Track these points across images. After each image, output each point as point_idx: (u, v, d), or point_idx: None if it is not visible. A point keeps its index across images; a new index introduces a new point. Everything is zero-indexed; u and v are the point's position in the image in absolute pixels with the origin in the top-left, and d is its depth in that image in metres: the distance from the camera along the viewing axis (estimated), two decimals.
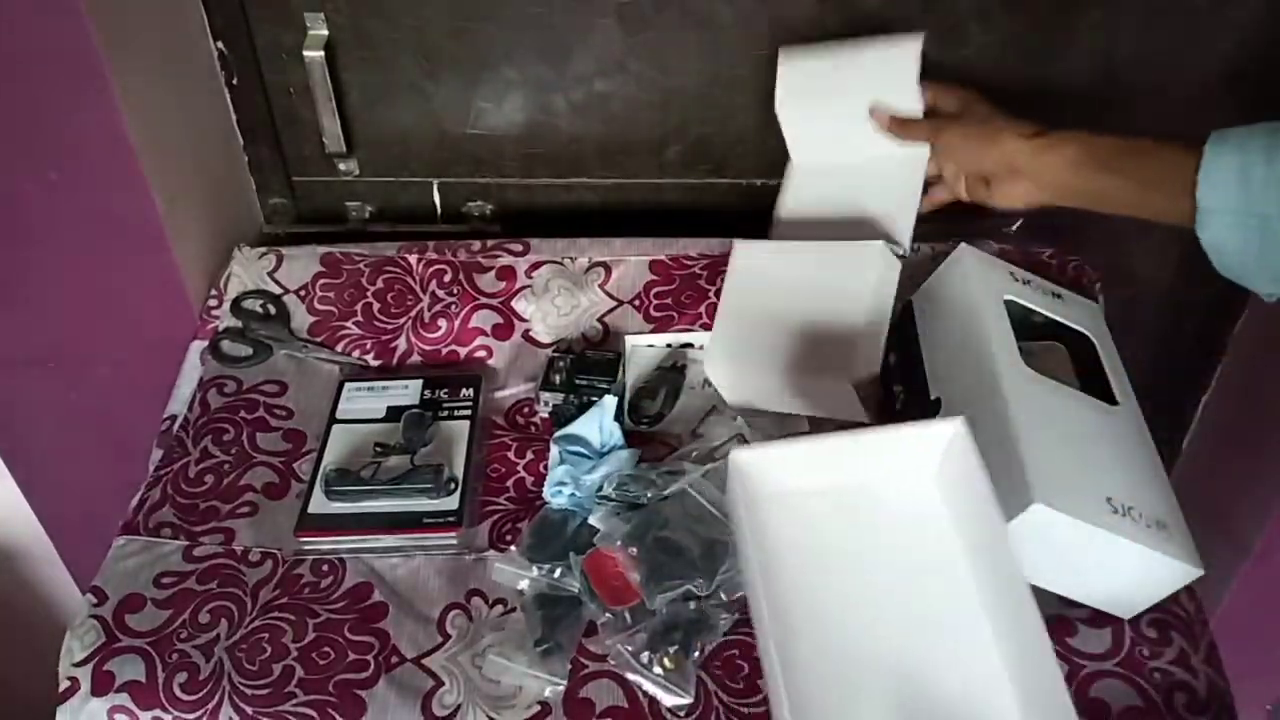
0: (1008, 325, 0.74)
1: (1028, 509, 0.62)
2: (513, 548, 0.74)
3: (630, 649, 0.67)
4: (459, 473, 0.77)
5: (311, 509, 0.75)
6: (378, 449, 0.79)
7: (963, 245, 0.80)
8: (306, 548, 0.74)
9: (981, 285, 0.76)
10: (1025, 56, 0.93)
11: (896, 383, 0.80)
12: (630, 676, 0.67)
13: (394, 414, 0.81)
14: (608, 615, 0.68)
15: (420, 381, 0.84)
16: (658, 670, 0.66)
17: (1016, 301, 0.77)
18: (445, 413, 0.82)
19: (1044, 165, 0.72)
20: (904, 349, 0.80)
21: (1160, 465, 0.71)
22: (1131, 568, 0.65)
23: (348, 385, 0.84)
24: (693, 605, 0.68)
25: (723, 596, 0.69)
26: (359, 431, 0.81)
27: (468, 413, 0.82)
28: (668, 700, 0.66)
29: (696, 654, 0.67)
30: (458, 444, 0.79)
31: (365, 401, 0.83)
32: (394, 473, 0.76)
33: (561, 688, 0.66)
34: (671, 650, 0.66)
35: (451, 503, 0.75)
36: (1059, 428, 0.68)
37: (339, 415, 0.82)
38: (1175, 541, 0.65)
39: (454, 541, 0.74)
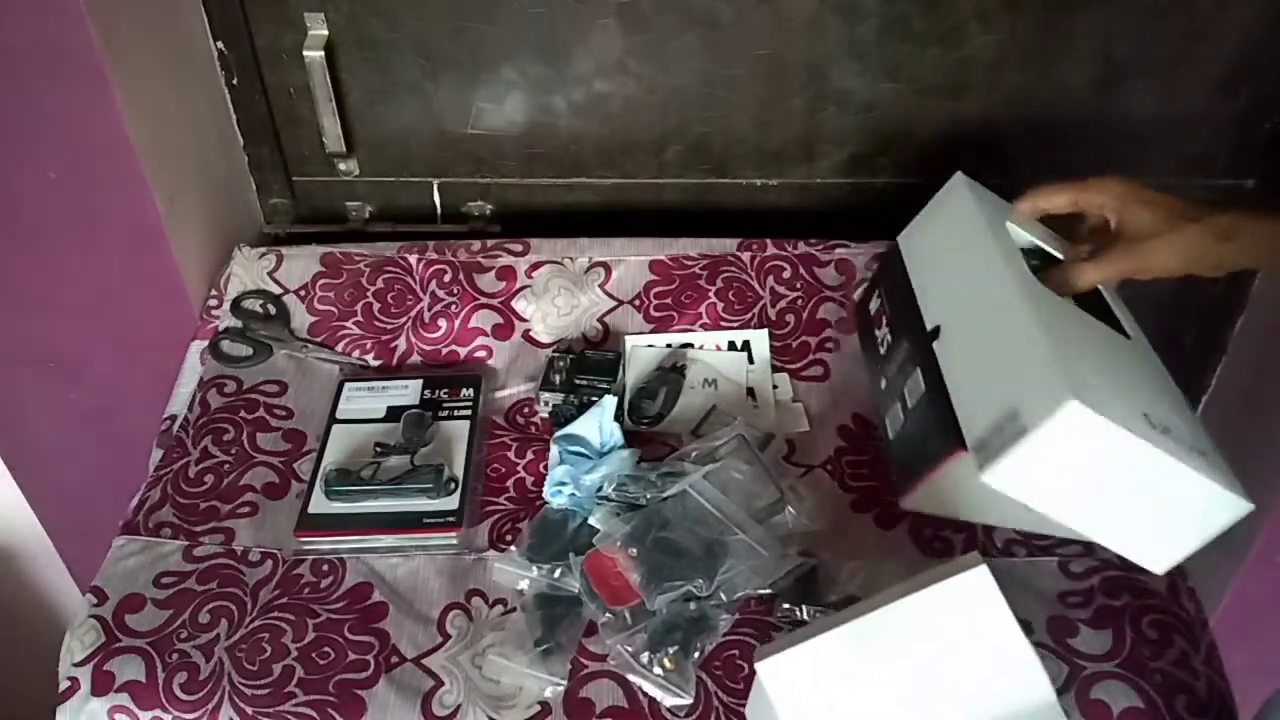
0: (1014, 243, 0.70)
1: (1061, 407, 0.53)
2: (513, 548, 0.74)
3: (630, 649, 0.67)
4: (459, 472, 0.77)
5: (312, 509, 0.75)
6: (378, 449, 0.79)
7: (958, 174, 0.77)
8: (306, 547, 0.74)
9: (982, 208, 0.72)
10: (1025, 56, 0.93)
11: (879, 327, 0.77)
12: (630, 677, 0.67)
13: (394, 414, 0.81)
14: (608, 615, 0.68)
15: (420, 381, 0.84)
16: (658, 671, 0.66)
17: (1016, 232, 0.72)
18: (445, 413, 0.82)
19: (1222, 251, 0.66)
20: (890, 292, 0.77)
21: (1184, 398, 0.65)
22: (1174, 497, 0.56)
23: (347, 385, 0.84)
24: (693, 605, 0.68)
25: (723, 597, 0.69)
26: (359, 431, 0.81)
27: (468, 413, 0.82)
28: (668, 700, 0.66)
29: (697, 654, 0.67)
30: (458, 444, 0.79)
31: (365, 401, 0.83)
32: (394, 473, 0.76)
33: (562, 688, 0.66)
34: (671, 650, 0.66)
35: (451, 502, 0.75)
36: (1082, 343, 0.62)
37: (339, 415, 0.82)
38: (1221, 470, 0.57)
39: (454, 541, 0.74)
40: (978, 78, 0.94)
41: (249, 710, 0.65)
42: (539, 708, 0.66)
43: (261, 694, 0.66)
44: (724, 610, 0.69)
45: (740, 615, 0.69)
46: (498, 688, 0.67)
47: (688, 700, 0.65)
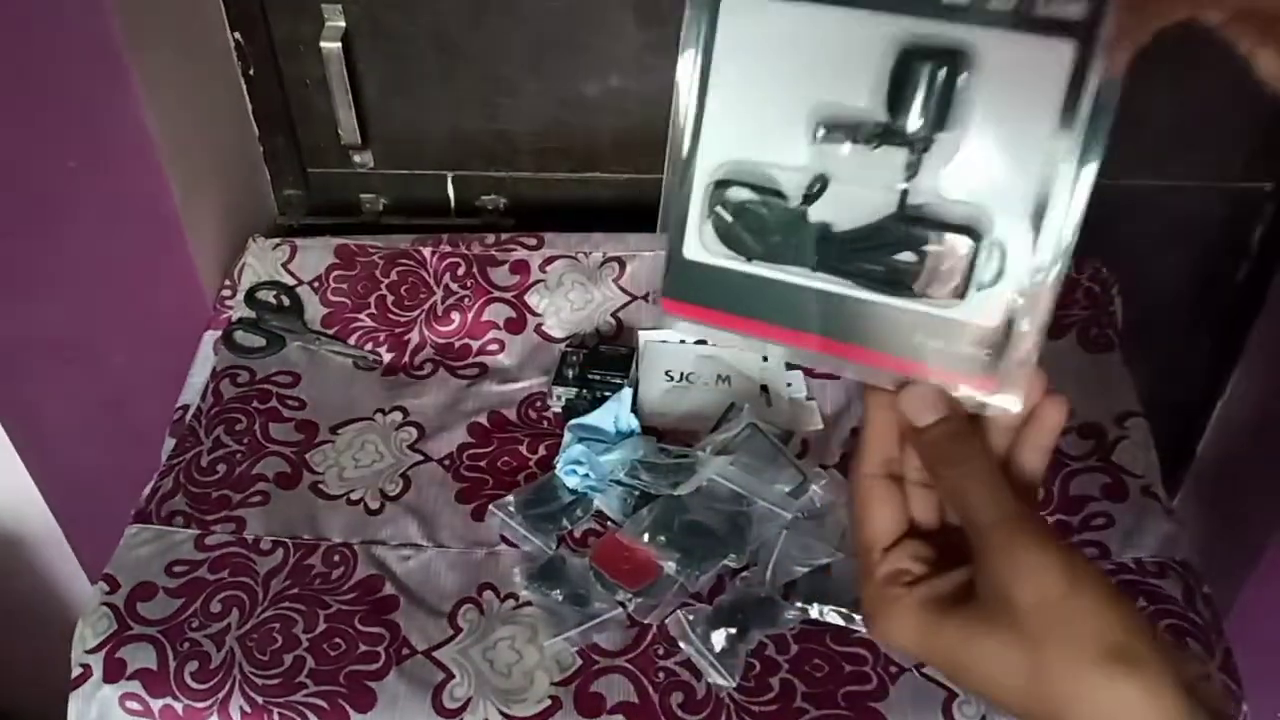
0: None
1: None
2: (510, 496, 0.75)
3: (691, 618, 0.68)
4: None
5: (690, 254, 0.41)
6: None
7: None
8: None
9: None
10: None
11: None
12: (683, 645, 0.68)
13: None
14: (636, 600, 0.69)
15: None
16: (711, 645, 0.67)
17: None
18: None
19: None
20: None
21: None
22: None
23: None
24: (762, 593, 0.69)
25: (773, 577, 0.70)
26: None
27: None
28: (711, 678, 0.66)
29: (753, 643, 0.68)
30: None
31: None
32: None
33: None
34: (731, 631, 0.67)
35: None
36: None
37: None
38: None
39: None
40: None
41: (259, 700, 0.65)
42: (549, 701, 0.65)
43: (272, 684, 0.66)
44: (790, 608, 0.69)
45: (804, 616, 0.70)
46: (508, 681, 0.67)
47: (731, 685, 0.66)
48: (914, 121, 0.36)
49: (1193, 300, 1.08)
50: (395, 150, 1.01)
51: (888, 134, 0.36)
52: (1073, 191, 0.35)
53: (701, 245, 0.40)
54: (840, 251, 0.38)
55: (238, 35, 0.93)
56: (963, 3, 0.35)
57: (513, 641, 0.68)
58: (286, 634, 0.68)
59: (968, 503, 0.37)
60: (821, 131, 0.37)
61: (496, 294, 0.91)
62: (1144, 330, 0.87)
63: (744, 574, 0.71)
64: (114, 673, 0.66)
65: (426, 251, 0.95)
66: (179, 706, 0.66)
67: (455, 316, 0.90)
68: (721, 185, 0.39)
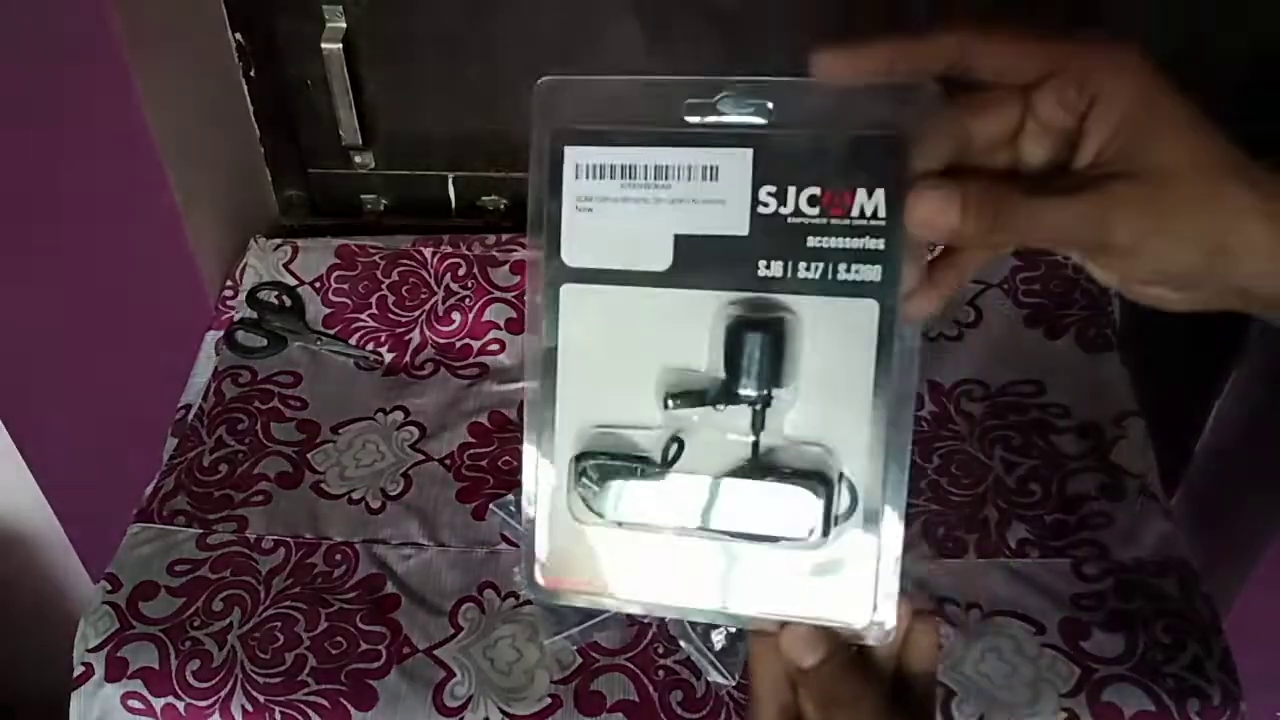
0: None
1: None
2: (510, 495, 0.75)
3: None
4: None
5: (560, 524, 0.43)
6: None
7: None
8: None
9: None
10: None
11: None
12: (683, 644, 0.68)
13: None
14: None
15: None
16: (711, 644, 0.67)
17: None
18: None
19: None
20: None
21: None
22: None
23: None
24: None
25: None
26: None
27: None
28: (712, 677, 0.66)
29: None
30: None
31: None
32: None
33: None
34: (730, 630, 0.67)
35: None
36: None
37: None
38: None
39: None
40: None
41: (261, 698, 0.65)
42: (550, 700, 0.66)
43: (274, 682, 0.66)
44: None
45: None
46: (509, 680, 0.67)
47: (730, 683, 0.66)
48: (751, 385, 0.39)
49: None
50: (396, 151, 1.01)
51: (729, 395, 0.40)
52: (899, 427, 0.39)
53: (571, 515, 0.42)
54: (705, 507, 0.40)
55: (239, 36, 0.93)
56: (777, 274, 0.39)
57: (513, 640, 0.69)
58: (288, 633, 0.69)
59: None
60: (671, 403, 0.40)
61: (497, 294, 0.91)
62: (1142, 330, 0.87)
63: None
64: (116, 671, 0.67)
65: (427, 252, 0.95)
66: (181, 705, 0.66)
67: (456, 317, 0.90)
68: (582, 458, 0.41)
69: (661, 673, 0.67)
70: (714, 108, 0.39)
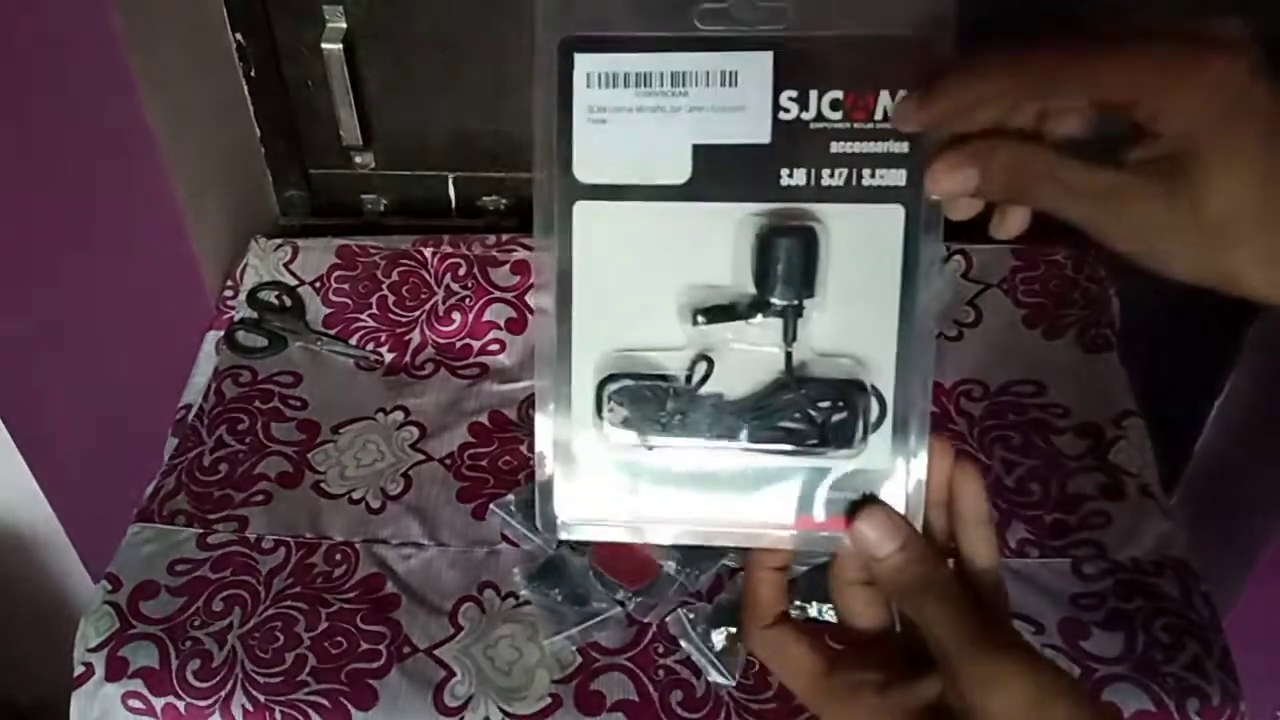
0: None
1: None
2: (510, 495, 0.76)
3: (690, 617, 0.68)
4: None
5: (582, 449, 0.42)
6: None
7: None
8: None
9: None
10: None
11: None
12: (683, 643, 0.68)
13: None
14: (636, 599, 0.70)
15: None
16: (711, 643, 0.67)
17: None
18: None
19: None
20: None
21: None
22: None
23: None
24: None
25: None
26: None
27: None
28: (712, 677, 0.66)
29: None
30: None
31: None
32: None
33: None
34: (731, 630, 0.67)
35: None
36: None
37: None
38: None
39: None
40: None
41: (261, 698, 0.66)
42: (550, 699, 0.66)
43: (274, 682, 0.66)
44: None
45: None
46: (509, 679, 0.67)
47: (730, 684, 0.66)
48: (785, 293, 0.38)
49: (1190, 300, 1.08)
50: (396, 151, 1.02)
51: (761, 306, 0.39)
52: (923, 336, 0.39)
53: (597, 441, 0.41)
54: (736, 420, 0.40)
55: (239, 36, 0.93)
56: (800, 183, 0.38)
57: (513, 640, 0.69)
58: (288, 632, 0.69)
59: (935, 622, 0.37)
60: (700, 319, 0.39)
61: (497, 294, 0.91)
62: (1140, 328, 0.87)
63: (744, 573, 0.71)
64: (116, 671, 0.67)
65: (427, 252, 0.95)
66: (181, 705, 0.66)
67: (456, 317, 0.90)
68: (608, 381, 0.40)
69: (661, 673, 0.67)
70: (728, 13, 0.37)
